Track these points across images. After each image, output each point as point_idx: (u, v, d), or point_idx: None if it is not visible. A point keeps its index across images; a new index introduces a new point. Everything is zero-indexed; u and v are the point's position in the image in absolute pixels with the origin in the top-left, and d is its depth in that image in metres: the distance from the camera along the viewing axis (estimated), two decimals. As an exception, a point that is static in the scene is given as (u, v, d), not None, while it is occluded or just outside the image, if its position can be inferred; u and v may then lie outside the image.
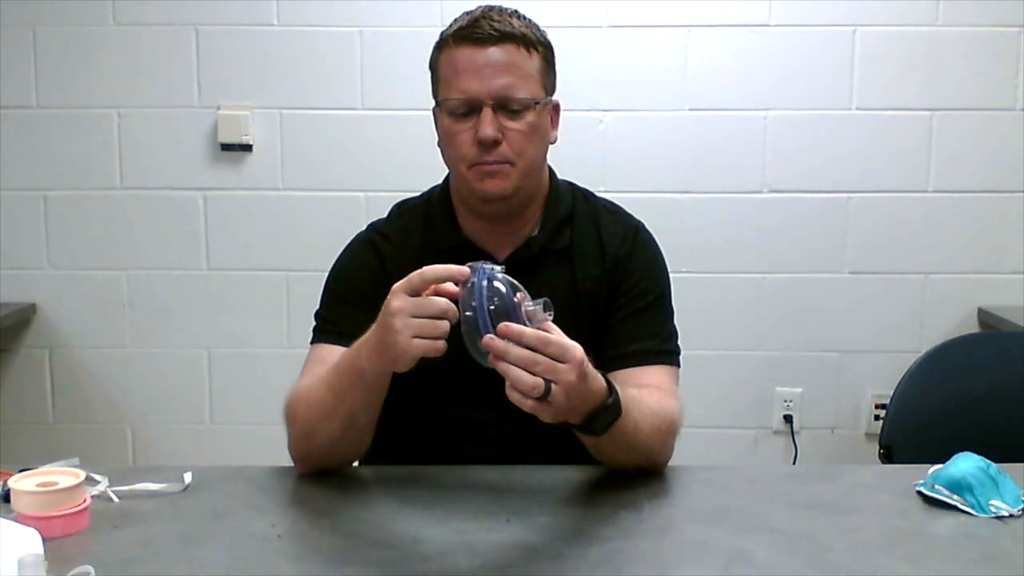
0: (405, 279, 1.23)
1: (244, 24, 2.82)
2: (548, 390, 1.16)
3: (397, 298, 1.22)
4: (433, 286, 1.21)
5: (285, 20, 2.82)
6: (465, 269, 1.21)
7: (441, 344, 1.21)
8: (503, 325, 1.16)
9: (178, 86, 2.84)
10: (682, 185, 2.85)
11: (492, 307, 1.17)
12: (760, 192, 2.86)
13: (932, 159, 2.83)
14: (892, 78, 2.81)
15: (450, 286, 1.21)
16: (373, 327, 1.28)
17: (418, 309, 1.21)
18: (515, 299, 1.18)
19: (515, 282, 1.20)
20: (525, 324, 1.17)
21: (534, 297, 1.20)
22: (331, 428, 1.37)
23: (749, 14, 2.80)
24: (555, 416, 1.21)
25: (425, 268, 1.22)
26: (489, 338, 1.16)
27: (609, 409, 1.28)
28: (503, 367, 1.16)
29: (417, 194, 1.65)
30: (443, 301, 1.20)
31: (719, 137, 2.83)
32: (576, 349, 1.19)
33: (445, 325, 1.20)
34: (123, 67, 2.83)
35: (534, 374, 1.15)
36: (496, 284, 1.18)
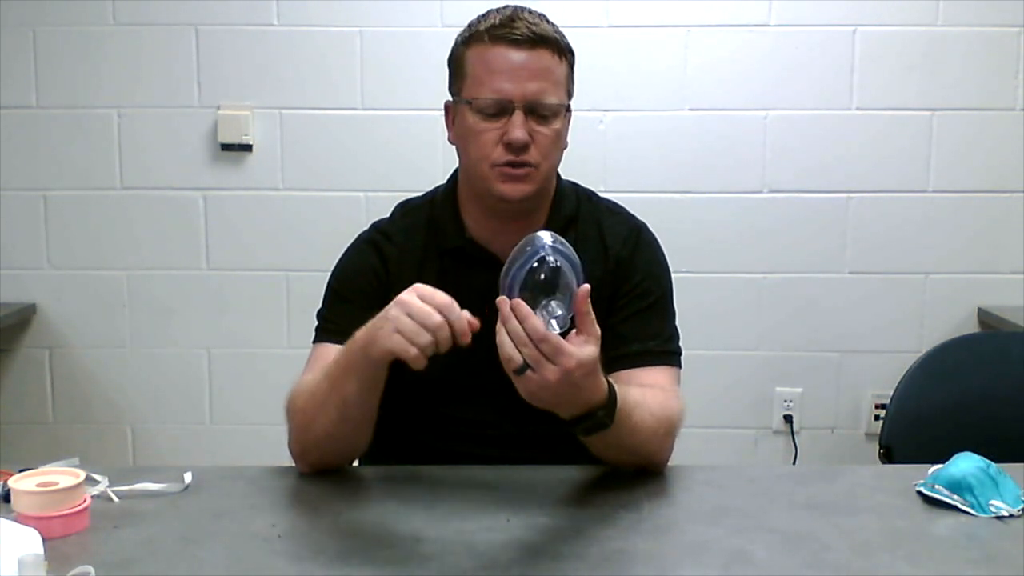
0: (423, 286, 1.26)
1: (244, 24, 2.81)
2: (523, 368, 1.19)
3: (408, 293, 1.26)
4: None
5: (285, 20, 2.82)
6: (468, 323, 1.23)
7: (414, 351, 1.23)
8: (516, 301, 1.19)
9: (178, 86, 2.84)
10: (682, 185, 2.85)
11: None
12: (760, 192, 2.86)
13: (932, 159, 2.83)
14: (892, 78, 2.81)
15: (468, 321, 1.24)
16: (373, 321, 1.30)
17: (415, 312, 1.24)
18: (514, 304, 1.20)
19: (576, 263, 1.23)
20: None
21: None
22: (326, 419, 1.38)
23: (749, 14, 2.80)
24: (529, 396, 1.23)
25: (439, 292, 1.25)
26: (502, 299, 1.20)
27: (597, 419, 1.29)
28: (498, 328, 1.20)
29: (419, 194, 1.65)
30: (438, 318, 1.23)
31: (719, 137, 2.83)
32: (570, 359, 1.19)
33: (427, 337, 1.22)
34: (123, 67, 2.83)
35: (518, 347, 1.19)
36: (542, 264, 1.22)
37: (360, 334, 1.32)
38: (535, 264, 1.21)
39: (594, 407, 1.27)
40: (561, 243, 1.24)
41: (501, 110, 1.44)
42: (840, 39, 2.80)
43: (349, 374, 1.35)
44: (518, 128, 1.43)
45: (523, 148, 1.43)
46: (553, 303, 1.21)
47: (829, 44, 2.80)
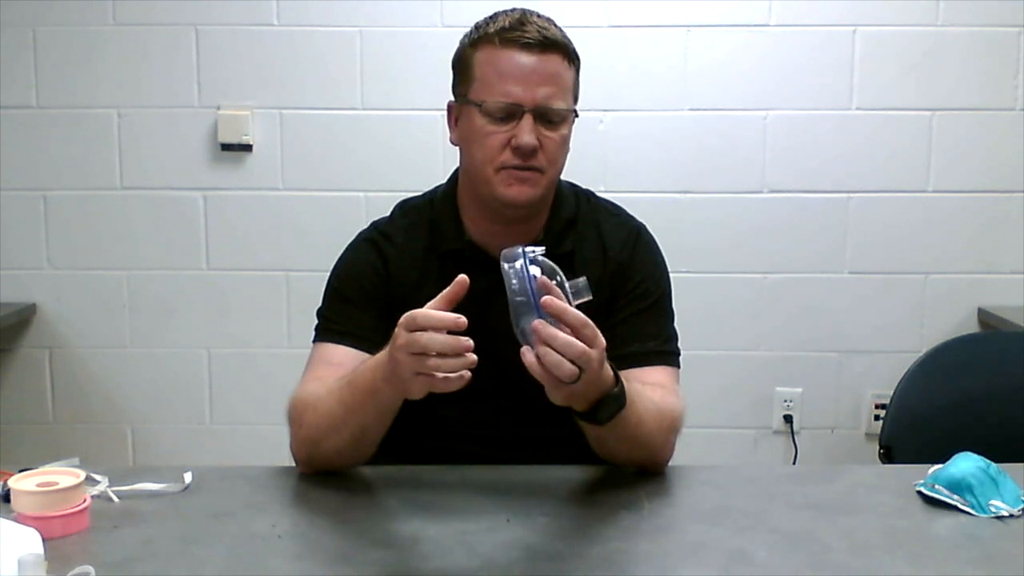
0: (406, 319, 1.19)
1: (244, 24, 2.81)
2: (581, 375, 1.17)
3: (403, 331, 1.19)
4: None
5: (285, 20, 2.82)
6: (461, 319, 1.17)
7: (454, 385, 1.18)
8: (547, 299, 1.16)
9: (178, 86, 2.84)
10: (682, 185, 2.85)
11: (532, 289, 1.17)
12: (760, 192, 2.86)
13: (932, 159, 2.83)
14: (892, 78, 2.81)
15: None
16: (385, 353, 1.26)
17: (423, 346, 1.17)
18: (542, 283, 1.17)
19: (552, 265, 1.20)
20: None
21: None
22: (339, 440, 1.38)
23: (749, 14, 2.80)
24: (567, 399, 1.22)
25: (418, 313, 1.18)
26: (540, 323, 1.16)
27: (615, 398, 1.29)
28: (543, 350, 1.15)
29: (419, 194, 1.64)
30: (444, 339, 1.17)
31: (719, 137, 2.83)
32: (601, 337, 1.20)
33: (460, 361, 1.17)
34: (123, 67, 2.83)
35: (571, 360, 1.16)
36: (533, 269, 1.18)
37: (383, 373, 1.26)
38: (531, 265, 1.18)
39: (609, 386, 1.27)
40: (508, 252, 1.20)
41: (510, 114, 1.43)
42: (840, 39, 2.80)
43: (368, 404, 1.33)
44: (527, 133, 1.42)
45: (531, 153, 1.43)
46: (567, 283, 1.20)
47: (829, 44, 2.80)
